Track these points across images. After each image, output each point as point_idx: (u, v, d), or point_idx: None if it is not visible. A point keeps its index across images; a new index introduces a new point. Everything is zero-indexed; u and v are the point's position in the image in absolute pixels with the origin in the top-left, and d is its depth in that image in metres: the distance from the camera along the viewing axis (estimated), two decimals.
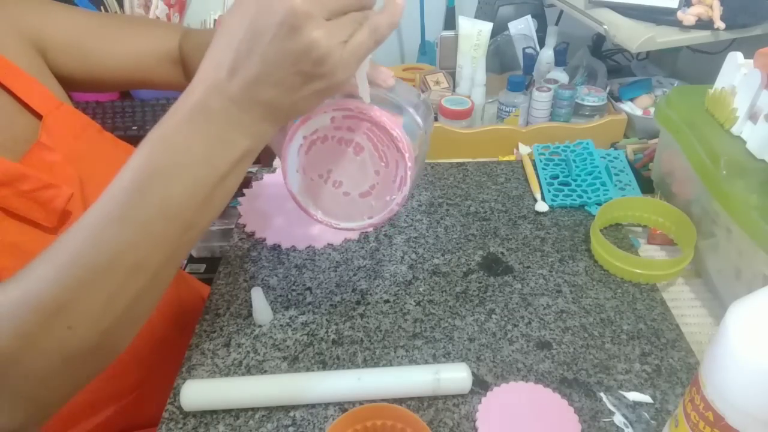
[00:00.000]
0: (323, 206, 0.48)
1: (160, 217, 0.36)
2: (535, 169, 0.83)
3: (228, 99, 0.35)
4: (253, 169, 0.86)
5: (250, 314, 0.62)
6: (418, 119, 0.46)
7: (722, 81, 0.64)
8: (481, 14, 1.19)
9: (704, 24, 0.78)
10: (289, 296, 0.64)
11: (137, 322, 0.41)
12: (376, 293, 0.64)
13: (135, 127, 1.17)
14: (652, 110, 0.93)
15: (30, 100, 0.55)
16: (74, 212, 0.54)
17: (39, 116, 0.55)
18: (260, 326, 0.60)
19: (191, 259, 1.47)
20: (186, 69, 0.69)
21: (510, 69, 1.07)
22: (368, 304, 0.63)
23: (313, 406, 0.52)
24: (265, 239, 0.72)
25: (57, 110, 0.57)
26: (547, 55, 1.00)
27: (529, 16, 1.10)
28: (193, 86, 0.36)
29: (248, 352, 0.57)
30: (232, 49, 0.35)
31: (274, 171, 0.84)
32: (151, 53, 0.67)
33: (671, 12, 0.79)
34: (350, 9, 0.35)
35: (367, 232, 0.73)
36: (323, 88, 0.36)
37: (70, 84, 0.62)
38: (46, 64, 0.60)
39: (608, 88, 0.94)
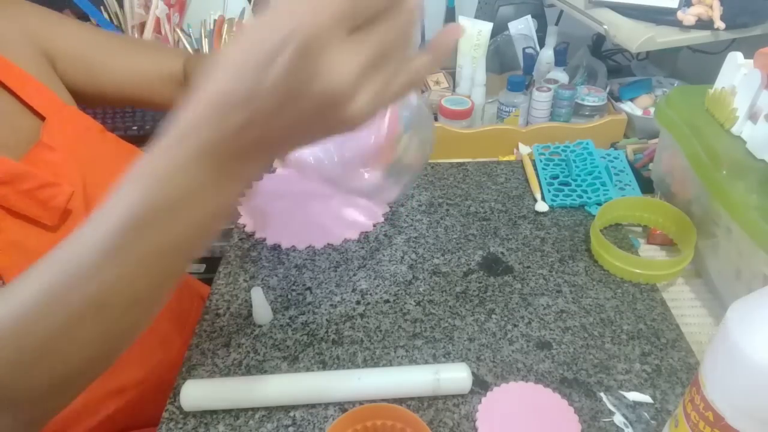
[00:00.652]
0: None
1: (157, 254, 0.34)
2: (535, 169, 0.83)
3: (222, 143, 0.31)
4: None
5: (250, 314, 0.62)
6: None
7: (722, 81, 0.64)
8: (481, 14, 1.19)
9: (704, 24, 0.78)
10: (289, 296, 0.64)
11: (128, 343, 0.39)
12: (376, 293, 0.64)
13: (135, 127, 1.17)
14: (652, 110, 0.93)
15: (33, 102, 0.56)
16: (75, 211, 0.54)
17: (42, 118, 0.56)
18: (260, 326, 0.60)
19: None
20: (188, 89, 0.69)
21: (510, 69, 1.07)
22: (368, 304, 0.63)
23: (313, 406, 0.52)
24: (265, 239, 0.72)
25: (60, 112, 0.58)
26: (547, 55, 1.00)
27: (529, 16, 1.10)
28: (186, 126, 0.32)
29: (248, 352, 0.57)
30: (227, 85, 0.30)
31: (274, 171, 0.84)
32: (155, 73, 0.69)
33: (671, 12, 0.79)
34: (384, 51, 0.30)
35: (367, 231, 0.73)
36: (331, 129, 0.32)
37: (75, 96, 0.63)
38: (54, 71, 0.61)
39: (608, 88, 0.94)
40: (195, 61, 0.69)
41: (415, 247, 0.70)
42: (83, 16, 1.09)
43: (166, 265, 0.35)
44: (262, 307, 0.59)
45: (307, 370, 0.55)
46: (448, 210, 0.77)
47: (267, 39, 0.27)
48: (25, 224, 0.50)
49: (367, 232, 0.73)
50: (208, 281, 0.70)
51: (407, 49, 0.31)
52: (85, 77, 0.64)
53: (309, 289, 0.65)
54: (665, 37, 0.78)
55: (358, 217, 0.74)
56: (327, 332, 0.59)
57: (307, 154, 0.42)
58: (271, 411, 0.51)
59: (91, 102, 0.66)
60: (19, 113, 0.55)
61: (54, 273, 0.34)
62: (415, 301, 0.62)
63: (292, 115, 0.29)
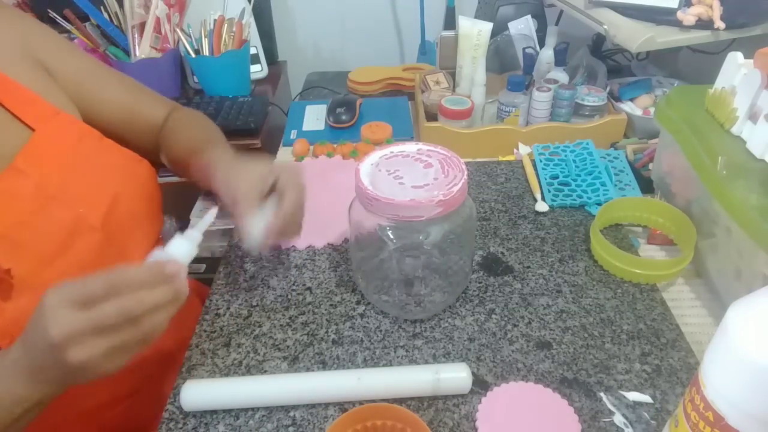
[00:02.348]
0: (377, 186, 0.54)
1: None
2: (535, 169, 0.83)
3: (22, 381, 0.44)
4: None
5: (250, 314, 0.62)
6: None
7: (722, 81, 0.64)
8: (481, 14, 1.19)
9: (704, 24, 0.78)
10: (289, 296, 0.64)
11: None
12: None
13: None
14: (652, 110, 0.93)
15: (23, 113, 0.55)
16: (55, 234, 0.54)
17: (32, 129, 0.55)
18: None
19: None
20: (161, 142, 0.71)
21: (510, 69, 1.07)
22: (368, 304, 0.63)
23: (313, 406, 0.52)
24: None
25: (52, 120, 0.57)
26: (547, 55, 1.00)
27: (529, 16, 1.10)
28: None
29: (248, 352, 0.57)
30: (27, 355, 0.44)
31: None
32: (136, 113, 0.70)
33: (671, 12, 0.79)
34: (117, 321, 0.42)
35: None
36: (89, 377, 0.43)
37: None
38: (49, 78, 0.61)
39: (608, 88, 0.94)
40: (172, 118, 0.71)
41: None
42: (83, 16, 1.08)
43: None
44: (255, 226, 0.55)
45: (307, 370, 0.55)
46: None
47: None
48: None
49: None
50: (208, 281, 0.70)
51: (134, 319, 0.42)
52: (74, 98, 0.63)
53: (309, 289, 0.65)
54: (665, 37, 0.78)
55: None
56: (327, 332, 0.59)
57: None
58: (271, 411, 0.52)
59: None
60: (6, 125, 0.54)
61: None
62: (415, 301, 0.62)
63: (42, 358, 0.42)
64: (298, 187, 0.58)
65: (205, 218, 0.50)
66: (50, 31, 0.65)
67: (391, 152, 0.58)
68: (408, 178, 0.54)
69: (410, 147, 0.59)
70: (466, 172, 0.55)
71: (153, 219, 0.66)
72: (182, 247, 0.48)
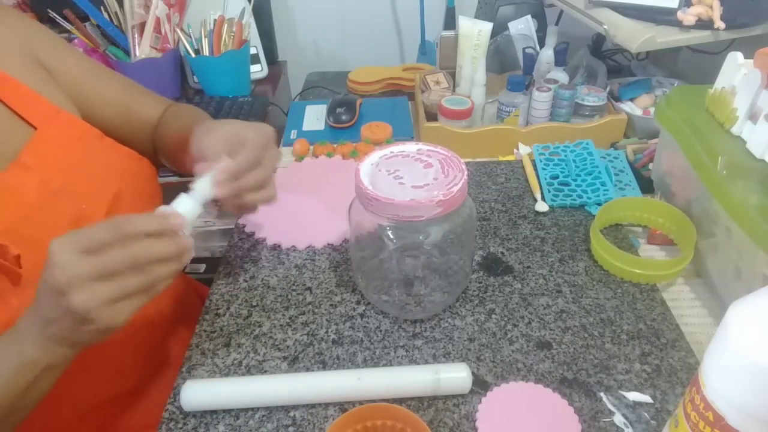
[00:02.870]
0: (377, 186, 0.54)
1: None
2: (535, 169, 0.83)
3: (33, 342, 0.45)
4: None
5: (250, 314, 0.62)
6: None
7: (722, 81, 0.64)
8: (481, 14, 1.19)
9: (704, 24, 0.78)
10: (289, 296, 0.64)
11: None
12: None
13: None
14: (652, 110, 0.93)
15: (25, 112, 0.55)
16: (60, 229, 0.53)
17: (34, 127, 0.56)
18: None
19: (191, 260, 1.46)
20: (156, 140, 0.71)
21: (510, 69, 1.07)
22: (368, 304, 0.63)
23: (313, 406, 0.52)
24: (265, 239, 0.72)
25: (54, 119, 0.57)
26: (547, 55, 1.00)
27: (529, 16, 1.10)
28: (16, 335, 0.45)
29: (248, 352, 0.57)
30: (37, 308, 0.44)
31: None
32: (135, 113, 0.70)
33: (671, 12, 0.79)
34: (121, 267, 0.42)
35: None
36: (96, 331, 0.43)
37: None
38: (49, 76, 0.61)
39: (608, 88, 0.94)
40: (168, 115, 0.71)
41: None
42: (83, 17, 1.08)
43: (16, 419, 0.47)
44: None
45: (307, 370, 0.55)
46: None
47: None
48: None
49: None
50: (208, 281, 0.70)
51: (139, 267, 0.43)
52: (73, 98, 0.63)
53: (309, 289, 0.65)
54: (665, 37, 0.78)
55: None
56: (327, 332, 0.59)
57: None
58: (271, 411, 0.52)
59: None
60: (9, 123, 0.55)
61: None
62: (415, 301, 0.62)
63: (62, 324, 0.43)
64: (256, 146, 0.54)
65: (206, 176, 0.50)
66: (49, 31, 0.65)
67: (391, 152, 0.58)
68: (408, 178, 0.55)
69: (410, 147, 0.59)
70: (466, 172, 0.55)
71: None
72: (186, 204, 0.49)
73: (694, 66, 1.03)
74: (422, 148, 0.59)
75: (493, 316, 0.60)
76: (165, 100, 0.74)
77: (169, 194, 0.70)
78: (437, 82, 1.03)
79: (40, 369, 0.45)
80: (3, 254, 0.49)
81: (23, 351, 0.45)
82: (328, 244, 0.71)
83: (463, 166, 0.56)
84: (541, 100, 0.89)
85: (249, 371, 0.55)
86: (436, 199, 0.51)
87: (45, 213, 0.53)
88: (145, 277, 0.43)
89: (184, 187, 0.75)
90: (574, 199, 0.76)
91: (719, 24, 0.77)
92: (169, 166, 0.73)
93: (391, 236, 0.58)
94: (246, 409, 0.52)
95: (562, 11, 1.11)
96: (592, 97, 0.89)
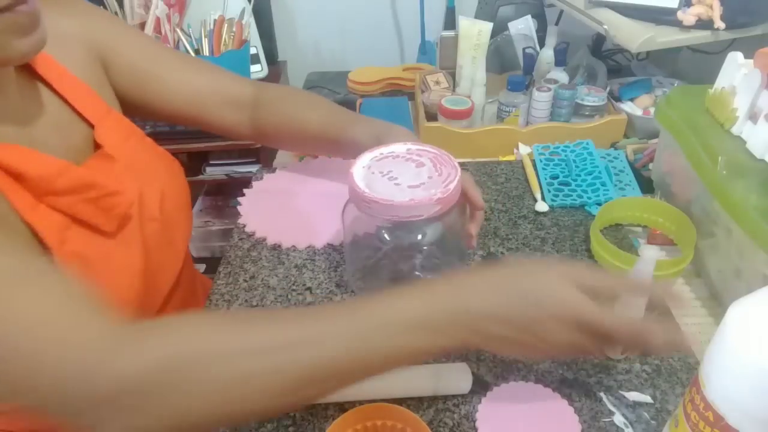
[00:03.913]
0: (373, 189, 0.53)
1: (376, 362, 0.41)
2: (535, 169, 0.83)
3: (453, 313, 0.40)
4: (254, 169, 0.86)
5: None
6: None
7: (722, 81, 0.64)
8: (481, 14, 1.20)
9: (704, 24, 0.78)
10: (289, 296, 0.64)
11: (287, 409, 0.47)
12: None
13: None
14: (652, 110, 0.93)
15: (84, 109, 0.56)
16: (133, 218, 0.55)
17: (91, 125, 0.57)
18: None
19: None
20: (258, 120, 0.72)
21: (510, 69, 1.07)
22: None
23: (313, 406, 0.52)
24: (265, 239, 0.72)
25: (106, 118, 0.59)
26: (547, 55, 1.00)
27: (529, 16, 1.10)
28: (439, 303, 0.41)
29: None
30: (495, 296, 0.41)
31: (274, 171, 0.84)
32: (212, 93, 0.69)
33: (671, 12, 0.79)
34: (605, 327, 0.40)
35: None
36: (539, 354, 0.47)
37: (123, 105, 0.64)
38: (105, 75, 0.62)
39: (608, 88, 0.94)
40: (270, 94, 0.72)
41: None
42: None
43: (376, 370, 0.42)
44: None
45: None
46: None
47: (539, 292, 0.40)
48: (87, 233, 0.51)
49: None
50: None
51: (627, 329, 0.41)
52: (136, 87, 0.64)
53: (309, 289, 0.65)
54: (665, 37, 0.78)
55: None
56: None
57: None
58: None
59: (135, 113, 0.66)
60: (71, 120, 0.56)
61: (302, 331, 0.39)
62: None
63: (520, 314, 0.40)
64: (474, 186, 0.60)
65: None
66: (115, 17, 0.66)
67: (381, 153, 0.58)
68: (402, 178, 0.54)
69: (399, 147, 0.59)
70: (459, 169, 0.55)
71: (189, 212, 0.68)
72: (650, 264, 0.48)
73: (694, 66, 1.03)
74: (411, 148, 0.58)
75: None
76: (249, 80, 0.74)
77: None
78: (437, 82, 1.03)
79: (428, 341, 0.41)
80: (115, 203, 0.51)
81: (433, 314, 0.40)
82: (328, 244, 0.71)
83: (455, 163, 0.56)
84: (541, 100, 0.89)
85: None
86: (434, 198, 0.51)
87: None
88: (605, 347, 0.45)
89: (189, 186, 0.75)
90: (574, 199, 0.76)
91: (719, 24, 0.77)
92: (274, 146, 0.75)
93: (387, 237, 0.57)
94: None
95: (562, 11, 1.11)
96: (592, 97, 0.89)
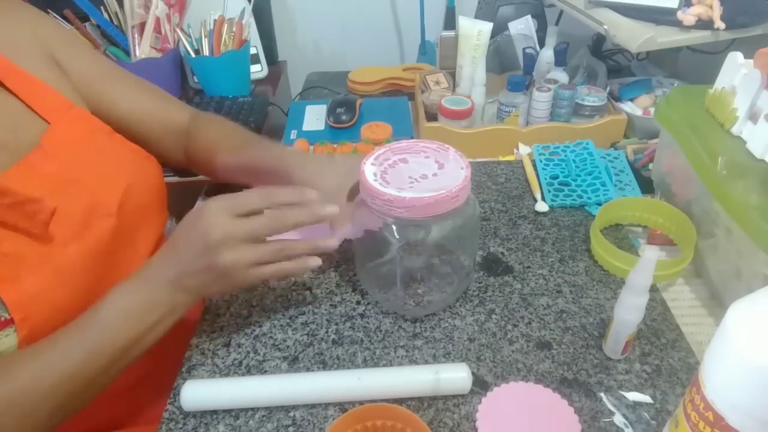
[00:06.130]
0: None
1: (129, 348, 0.50)
2: (535, 169, 0.83)
3: (163, 286, 0.51)
4: None
5: (250, 314, 0.62)
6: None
7: (722, 81, 0.64)
8: (481, 14, 1.19)
9: (704, 24, 0.78)
10: (289, 296, 0.64)
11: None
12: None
13: None
14: (652, 110, 0.93)
15: (39, 106, 0.56)
16: (73, 218, 0.55)
17: (48, 122, 0.57)
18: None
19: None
20: (188, 147, 0.73)
21: (510, 69, 1.07)
22: (368, 304, 0.63)
23: (313, 406, 0.52)
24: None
25: (67, 114, 0.58)
26: (547, 55, 1.00)
27: (529, 16, 1.10)
28: (143, 280, 0.51)
29: (248, 352, 0.57)
30: (174, 259, 0.51)
31: None
32: (155, 116, 0.71)
33: (671, 12, 0.79)
34: (267, 232, 0.51)
35: None
36: (226, 286, 0.52)
37: None
38: (63, 73, 0.62)
39: (608, 88, 0.94)
40: (198, 122, 0.72)
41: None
42: (83, 17, 1.08)
43: (133, 356, 0.52)
44: None
45: (307, 370, 0.55)
46: None
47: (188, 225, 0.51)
48: (17, 235, 0.51)
49: None
50: None
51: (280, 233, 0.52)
52: (88, 98, 0.64)
53: (309, 289, 0.65)
54: (665, 37, 0.78)
55: None
56: (327, 332, 0.59)
57: None
58: (271, 411, 0.52)
59: None
60: (22, 117, 0.56)
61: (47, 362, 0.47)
62: (414, 301, 0.62)
63: (200, 277, 0.51)
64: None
65: None
66: (63, 28, 0.66)
67: (391, 149, 0.58)
68: (412, 175, 0.54)
69: (408, 144, 0.59)
70: (469, 167, 0.55)
71: (160, 212, 0.68)
72: None
73: (694, 66, 1.03)
74: (420, 144, 0.58)
75: (493, 316, 0.60)
76: (188, 107, 0.75)
77: (168, 194, 0.70)
78: (437, 82, 1.03)
79: (164, 312, 0.51)
80: (36, 210, 0.51)
81: (154, 294, 0.50)
82: None
83: (464, 160, 0.56)
84: (541, 100, 0.89)
85: (249, 371, 0.55)
86: (442, 195, 0.51)
87: (62, 200, 0.54)
88: (283, 247, 0.51)
89: (184, 187, 0.76)
90: (574, 199, 0.76)
91: (719, 24, 0.77)
92: (204, 174, 0.76)
93: (396, 234, 0.57)
94: (246, 409, 0.52)
95: (562, 11, 1.11)
96: (592, 97, 0.89)
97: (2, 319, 0.47)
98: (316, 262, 0.54)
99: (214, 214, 0.48)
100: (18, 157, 0.54)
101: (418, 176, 0.54)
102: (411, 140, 0.59)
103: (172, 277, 0.50)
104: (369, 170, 0.55)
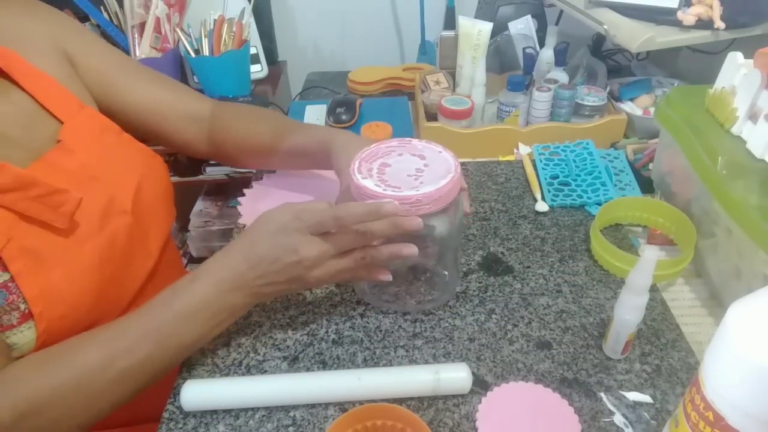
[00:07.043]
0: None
1: (183, 346, 0.52)
2: (535, 169, 0.83)
3: (243, 290, 0.52)
4: (254, 170, 0.86)
5: (250, 314, 0.62)
6: None
7: (722, 81, 0.64)
8: (481, 14, 1.19)
9: (704, 24, 0.78)
10: (289, 296, 0.64)
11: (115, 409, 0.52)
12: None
13: None
14: (652, 110, 0.93)
15: (52, 105, 0.57)
16: (90, 215, 0.55)
17: (60, 120, 0.57)
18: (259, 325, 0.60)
19: (191, 259, 1.47)
20: (214, 136, 0.73)
21: (510, 69, 1.07)
22: (368, 303, 0.63)
23: (313, 406, 0.52)
24: None
25: (78, 114, 0.59)
26: (547, 55, 1.00)
27: (529, 16, 1.10)
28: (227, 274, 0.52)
29: (248, 352, 0.57)
30: (260, 268, 0.51)
31: (274, 171, 0.84)
32: (173, 107, 0.71)
33: (671, 12, 0.79)
34: (349, 247, 0.52)
35: None
36: (301, 290, 0.60)
37: None
38: (75, 72, 0.63)
39: (608, 88, 0.94)
40: (225, 111, 0.73)
41: None
42: (83, 17, 1.09)
43: (191, 353, 0.54)
44: None
45: (307, 370, 0.55)
46: None
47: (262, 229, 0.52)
48: (38, 229, 0.51)
49: None
50: None
51: (359, 249, 0.52)
52: (100, 93, 0.65)
53: (309, 289, 0.65)
54: (665, 37, 0.78)
55: None
56: (327, 332, 0.59)
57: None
58: (271, 411, 0.52)
59: None
60: (36, 115, 0.56)
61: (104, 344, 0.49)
62: (415, 301, 0.62)
63: (280, 271, 0.51)
64: None
65: None
66: (76, 23, 0.67)
67: (378, 149, 0.58)
68: (399, 174, 0.54)
69: (393, 143, 0.58)
70: (459, 165, 0.54)
71: (168, 212, 0.68)
72: None
73: (694, 66, 1.03)
74: (405, 143, 0.58)
75: (493, 316, 0.60)
76: (207, 98, 0.76)
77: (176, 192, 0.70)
78: (437, 82, 1.03)
79: (232, 313, 0.53)
80: (63, 200, 0.51)
81: (231, 295, 0.51)
82: None
83: (452, 158, 0.56)
84: (541, 100, 0.89)
85: (249, 371, 0.55)
86: (429, 193, 0.51)
87: (82, 195, 0.54)
88: (364, 255, 0.52)
89: (184, 187, 0.76)
90: (574, 199, 0.76)
91: (719, 24, 0.77)
92: (229, 164, 0.77)
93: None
94: (246, 409, 0.52)
95: (562, 11, 1.11)
96: (592, 97, 0.89)
97: (24, 312, 0.48)
98: (387, 277, 0.55)
99: (300, 233, 0.50)
100: (34, 154, 0.54)
101: (413, 171, 0.54)
102: (373, 146, 0.58)
103: (253, 283, 0.51)
104: (357, 171, 0.54)
